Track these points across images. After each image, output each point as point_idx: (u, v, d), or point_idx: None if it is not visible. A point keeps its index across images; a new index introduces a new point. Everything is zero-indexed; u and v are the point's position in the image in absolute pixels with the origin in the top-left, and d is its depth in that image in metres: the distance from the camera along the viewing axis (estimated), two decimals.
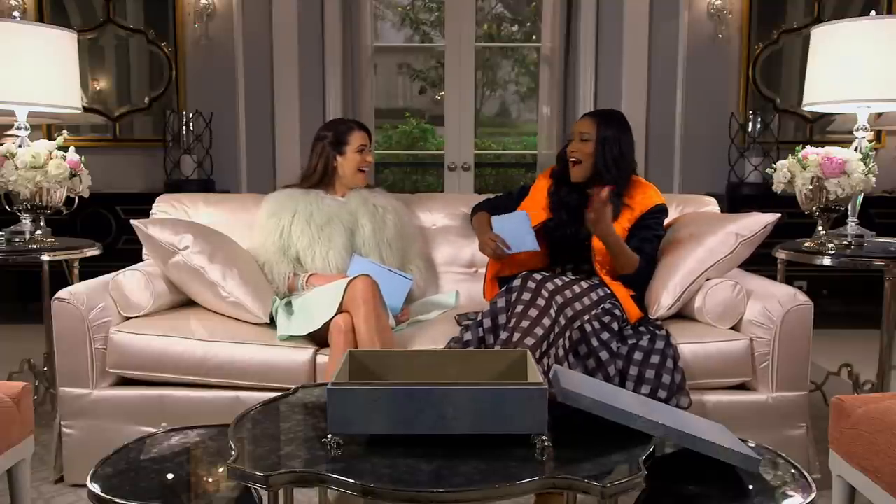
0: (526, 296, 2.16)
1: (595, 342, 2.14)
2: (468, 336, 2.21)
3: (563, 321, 2.13)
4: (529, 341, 2.04)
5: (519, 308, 2.13)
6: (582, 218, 2.47)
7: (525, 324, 2.09)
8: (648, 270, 2.46)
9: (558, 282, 2.23)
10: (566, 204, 2.54)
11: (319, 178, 2.66)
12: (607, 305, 2.26)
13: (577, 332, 2.15)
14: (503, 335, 2.11)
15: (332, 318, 2.19)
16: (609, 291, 2.33)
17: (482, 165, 5.34)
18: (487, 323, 2.21)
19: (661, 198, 2.54)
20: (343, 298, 2.20)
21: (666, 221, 2.63)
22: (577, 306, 2.21)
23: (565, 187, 2.58)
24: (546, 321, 2.10)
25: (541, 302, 2.13)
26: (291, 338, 2.29)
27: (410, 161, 5.82)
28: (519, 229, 2.48)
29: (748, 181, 4.44)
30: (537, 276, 2.22)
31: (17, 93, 2.64)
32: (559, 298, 2.17)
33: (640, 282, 2.44)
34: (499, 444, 1.43)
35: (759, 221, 2.39)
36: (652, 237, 2.48)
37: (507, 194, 2.78)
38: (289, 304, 2.44)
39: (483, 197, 2.86)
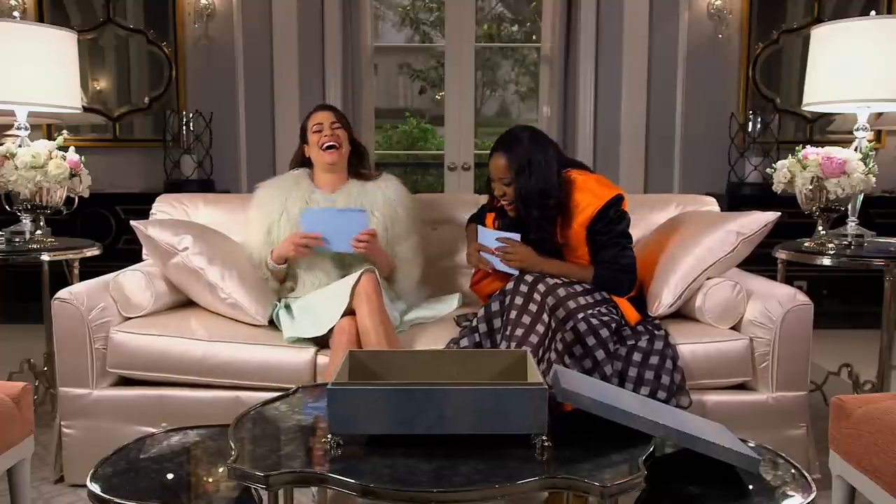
0: (519, 300, 2.14)
1: (591, 341, 2.06)
2: (465, 343, 2.19)
3: (554, 323, 2.10)
4: (526, 348, 2.03)
5: (513, 314, 2.11)
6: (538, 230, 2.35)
7: (519, 332, 2.07)
8: (619, 275, 2.30)
9: (550, 282, 2.18)
10: (516, 225, 2.38)
11: (301, 160, 2.63)
12: (602, 309, 2.18)
13: (571, 333, 2.07)
14: (502, 345, 2.10)
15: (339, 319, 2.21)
16: (605, 296, 2.26)
17: (482, 165, 5.33)
18: (483, 328, 2.20)
19: (609, 190, 2.30)
20: (350, 295, 2.22)
21: (665, 219, 2.61)
22: (571, 304, 2.12)
23: (506, 218, 2.43)
24: (540, 327, 2.08)
25: (533, 307, 2.11)
26: (299, 339, 2.29)
27: (410, 161, 5.82)
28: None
29: (748, 181, 4.44)
30: (529, 278, 2.18)
31: (17, 93, 2.64)
32: (551, 300, 2.12)
33: (617, 288, 2.30)
34: (499, 444, 1.43)
35: (759, 220, 2.39)
36: (608, 242, 2.30)
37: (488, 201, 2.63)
38: (288, 307, 2.44)
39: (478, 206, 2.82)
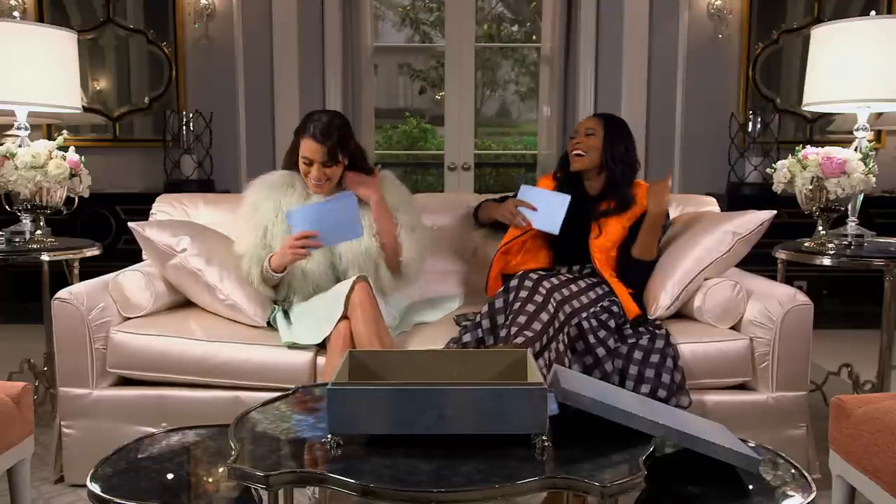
0: (523, 293, 2.16)
1: (592, 339, 2.15)
2: (467, 338, 2.21)
3: (561, 317, 2.14)
4: (528, 333, 2.04)
5: (516, 305, 2.14)
6: (584, 221, 2.48)
7: (522, 319, 2.09)
8: (651, 271, 2.46)
9: (555, 280, 2.23)
10: (574, 200, 2.50)
11: (294, 165, 2.45)
12: (605, 303, 2.27)
13: (575, 328, 2.16)
14: (502, 333, 2.12)
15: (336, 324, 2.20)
16: (608, 289, 2.34)
17: (482, 165, 5.34)
18: (486, 324, 2.22)
19: None
20: (344, 305, 2.20)
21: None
22: (576, 303, 2.22)
23: (572, 186, 2.58)
24: (544, 316, 2.10)
25: (538, 298, 2.14)
26: (296, 344, 2.28)
27: (410, 161, 5.82)
28: (553, 208, 2.44)
29: (748, 181, 4.44)
30: (534, 275, 2.22)
31: (17, 93, 2.64)
32: (557, 296, 2.18)
33: (640, 279, 2.44)
34: (499, 444, 1.43)
35: (754, 219, 2.40)
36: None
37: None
38: (285, 312, 2.42)
39: (484, 198, 2.86)
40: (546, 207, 2.46)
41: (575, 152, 2.52)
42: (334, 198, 2.31)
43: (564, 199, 2.45)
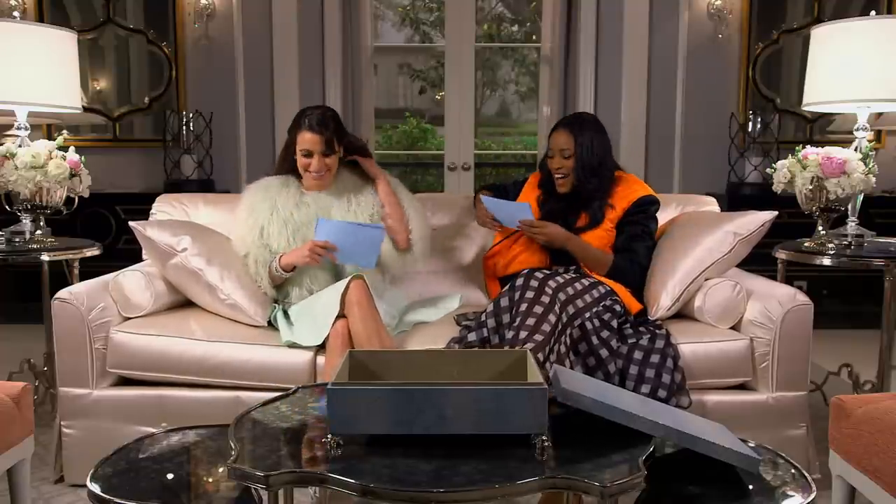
0: (529, 294, 2.16)
1: (595, 340, 2.14)
2: (472, 337, 2.21)
3: (565, 318, 2.13)
4: (538, 338, 2.04)
5: (523, 306, 2.13)
6: (568, 226, 2.50)
7: (531, 321, 2.09)
8: (636, 269, 2.46)
9: (560, 279, 2.23)
10: (554, 212, 2.55)
11: (289, 167, 2.51)
12: (608, 302, 2.26)
13: (578, 329, 2.15)
14: (508, 334, 2.11)
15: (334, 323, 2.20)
16: (609, 288, 2.33)
17: (482, 165, 5.34)
18: (491, 323, 2.22)
19: (648, 189, 2.54)
20: (340, 304, 2.20)
21: (665, 220, 2.63)
22: (579, 303, 2.21)
23: (552, 197, 2.59)
24: (552, 317, 2.10)
25: (545, 299, 2.14)
26: (297, 343, 2.28)
27: (410, 161, 5.82)
28: (519, 214, 2.49)
29: (748, 181, 4.44)
30: (539, 275, 2.22)
31: (17, 93, 2.63)
32: (562, 296, 2.17)
33: (628, 281, 2.43)
34: (499, 444, 1.43)
35: (756, 220, 2.40)
36: (640, 233, 2.47)
37: (513, 184, 2.78)
38: (285, 311, 2.43)
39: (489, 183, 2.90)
40: (513, 214, 2.50)
41: (558, 177, 2.53)
42: (368, 225, 2.38)
43: (523, 208, 2.50)
